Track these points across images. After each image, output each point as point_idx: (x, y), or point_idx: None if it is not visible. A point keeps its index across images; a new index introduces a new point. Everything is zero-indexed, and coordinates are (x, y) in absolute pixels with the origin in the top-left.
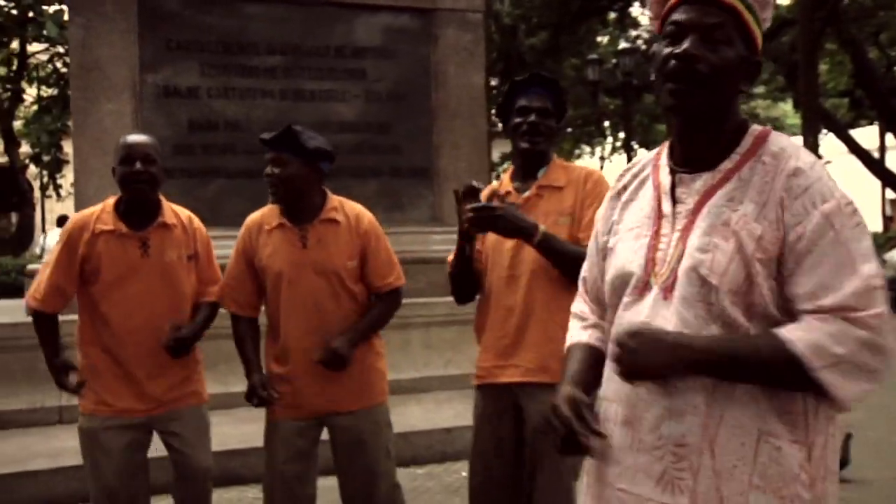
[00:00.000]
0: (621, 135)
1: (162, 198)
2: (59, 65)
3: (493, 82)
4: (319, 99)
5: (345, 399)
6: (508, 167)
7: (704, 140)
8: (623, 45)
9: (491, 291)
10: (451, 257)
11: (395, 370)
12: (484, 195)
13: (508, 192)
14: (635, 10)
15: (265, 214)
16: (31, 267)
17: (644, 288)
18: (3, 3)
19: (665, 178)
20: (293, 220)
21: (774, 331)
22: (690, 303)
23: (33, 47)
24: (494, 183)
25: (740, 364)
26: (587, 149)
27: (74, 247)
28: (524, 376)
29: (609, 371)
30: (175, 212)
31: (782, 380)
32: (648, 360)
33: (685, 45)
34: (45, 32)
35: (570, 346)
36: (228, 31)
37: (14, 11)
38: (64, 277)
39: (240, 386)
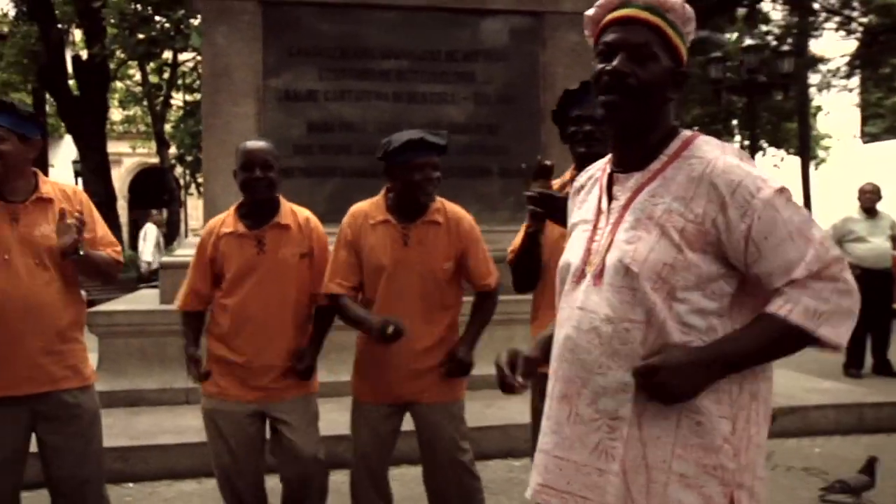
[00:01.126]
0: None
1: (281, 199)
2: (201, 72)
3: None
4: (431, 101)
5: (427, 391)
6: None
7: (636, 144)
8: (748, 41)
9: (549, 283)
10: (511, 247)
11: (481, 366)
12: (556, 185)
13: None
14: (766, 4)
15: (371, 207)
16: (165, 259)
17: (581, 276)
18: (158, 18)
19: (605, 179)
20: (398, 218)
21: (765, 312)
22: (616, 289)
23: (181, 57)
24: (567, 174)
25: (752, 353)
26: None
27: (205, 251)
28: None
29: (554, 350)
30: (294, 212)
31: (790, 349)
32: (680, 389)
33: (615, 62)
34: (191, 43)
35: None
36: (345, 37)
37: (167, 25)
38: (199, 280)
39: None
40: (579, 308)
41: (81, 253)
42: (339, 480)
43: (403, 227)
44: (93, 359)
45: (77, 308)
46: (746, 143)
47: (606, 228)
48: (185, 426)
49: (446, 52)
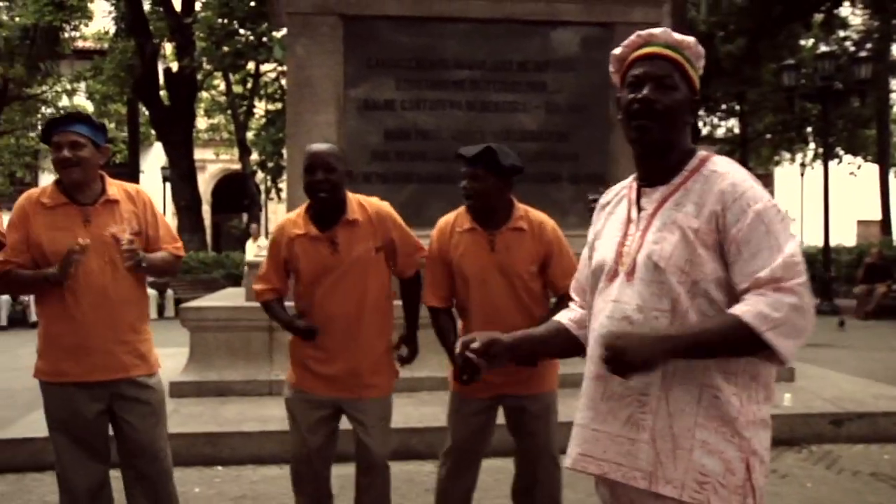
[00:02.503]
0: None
1: (349, 194)
2: (283, 82)
3: None
4: (503, 110)
5: (520, 384)
6: None
7: (660, 162)
8: (823, 48)
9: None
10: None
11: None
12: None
13: None
14: (844, 10)
15: (457, 217)
16: (249, 259)
17: (614, 275)
18: (243, 31)
19: (633, 193)
20: (483, 226)
21: (727, 311)
22: (647, 282)
23: (263, 67)
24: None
25: (706, 342)
26: (787, 155)
27: (278, 249)
28: None
29: (590, 337)
30: (362, 205)
31: (739, 346)
32: (636, 355)
33: (644, 91)
34: (273, 55)
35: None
36: (421, 49)
37: (251, 38)
38: (275, 275)
39: (425, 371)
40: (613, 301)
41: (144, 265)
42: (412, 471)
43: (489, 234)
44: (184, 352)
45: (143, 302)
46: (821, 150)
47: (637, 234)
48: (268, 416)
49: (518, 63)
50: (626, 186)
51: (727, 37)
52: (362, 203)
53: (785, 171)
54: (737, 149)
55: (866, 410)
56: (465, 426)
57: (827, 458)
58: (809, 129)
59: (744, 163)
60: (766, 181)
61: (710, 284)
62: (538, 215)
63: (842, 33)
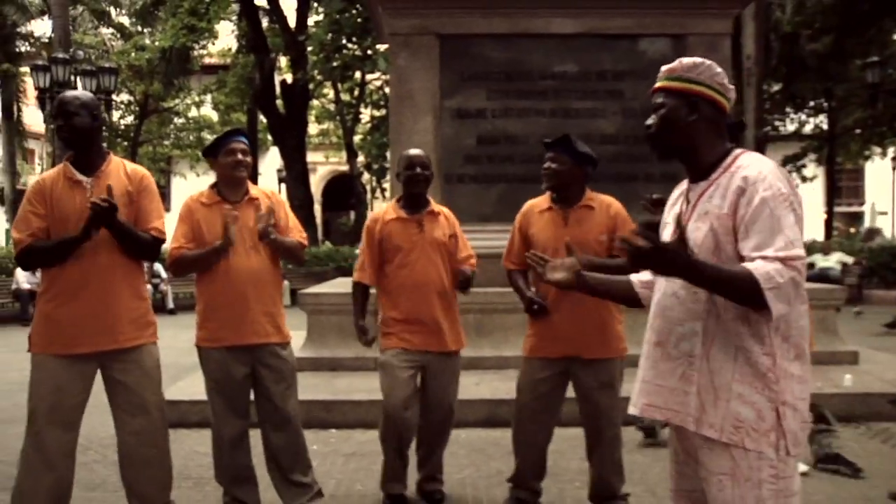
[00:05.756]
0: None
1: (430, 197)
2: (387, 90)
3: (776, 87)
4: (584, 116)
5: (588, 348)
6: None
7: (693, 164)
8: None
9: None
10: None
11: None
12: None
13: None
14: None
15: (539, 200)
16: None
17: None
18: (350, 45)
19: (686, 189)
20: (559, 205)
21: (741, 265)
22: None
23: (369, 77)
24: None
25: (715, 279)
26: (877, 150)
27: (373, 236)
28: None
29: (651, 310)
30: (437, 205)
31: (742, 294)
32: (662, 264)
33: (648, 120)
34: (378, 67)
35: None
36: (510, 62)
37: (358, 51)
38: (370, 259)
39: (509, 351)
40: (667, 279)
41: (272, 236)
42: (498, 436)
43: (563, 212)
44: (302, 334)
45: (280, 282)
46: None
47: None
48: (374, 387)
49: (597, 73)
50: (685, 184)
51: (813, 35)
52: (436, 204)
53: (875, 166)
54: (824, 145)
55: None
56: (530, 390)
57: (883, 434)
58: None
59: (831, 158)
60: (856, 176)
61: (734, 264)
62: (606, 197)
63: None
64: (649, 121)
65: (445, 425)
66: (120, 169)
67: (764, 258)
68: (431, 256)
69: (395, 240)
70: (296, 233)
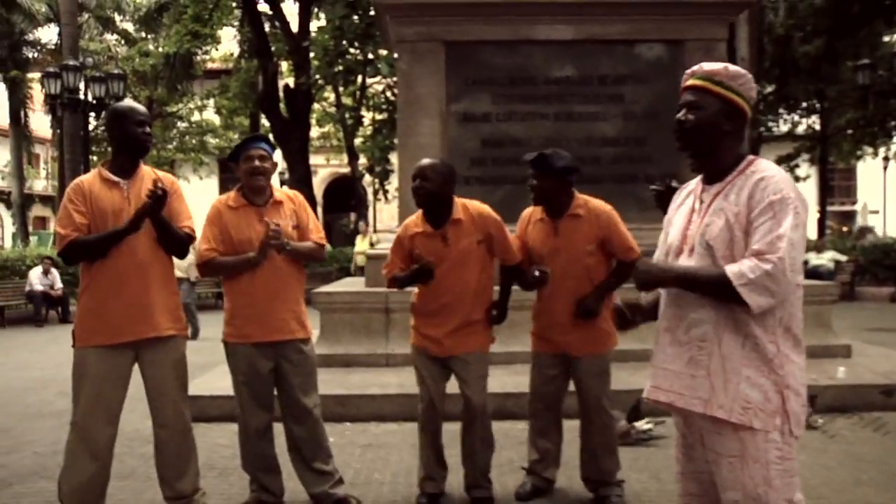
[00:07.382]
0: None
1: (455, 198)
2: (389, 94)
3: (770, 89)
4: (586, 119)
5: (580, 344)
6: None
7: (711, 165)
8: None
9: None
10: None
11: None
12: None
13: None
14: None
15: (534, 210)
16: (370, 252)
17: (679, 251)
18: (352, 50)
19: (699, 189)
20: (549, 215)
21: (721, 266)
22: (701, 256)
23: (370, 81)
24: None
25: (696, 280)
26: (869, 149)
27: (403, 245)
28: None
29: (662, 297)
30: (466, 207)
31: (720, 291)
32: (651, 277)
33: (679, 114)
34: (380, 71)
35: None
36: (513, 68)
37: (360, 56)
38: (399, 263)
39: (518, 346)
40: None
41: (288, 248)
42: (507, 427)
43: (554, 222)
44: (314, 333)
45: (303, 282)
46: None
47: (697, 220)
48: (386, 382)
49: (598, 77)
50: (693, 185)
51: (805, 38)
52: (466, 206)
53: (867, 166)
54: (817, 145)
55: None
56: (539, 376)
57: (875, 423)
58: (894, 124)
59: (824, 158)
60: (848, 176)
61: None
62: (596, 204)
63: None
64: (681, 115)
65: (479, 425)
66: (150, 175)
67: (750, 254)
68: (458, 270)
69: (422, 254)
70: (315, 234)
